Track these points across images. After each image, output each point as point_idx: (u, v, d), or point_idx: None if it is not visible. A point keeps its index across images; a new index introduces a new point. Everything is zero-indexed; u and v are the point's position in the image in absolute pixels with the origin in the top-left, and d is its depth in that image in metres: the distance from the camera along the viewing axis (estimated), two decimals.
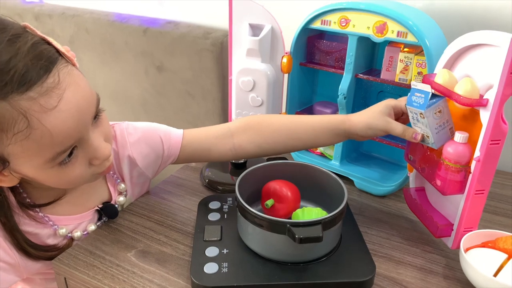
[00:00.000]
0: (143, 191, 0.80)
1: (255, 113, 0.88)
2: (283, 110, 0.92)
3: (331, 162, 0.88)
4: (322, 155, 0.92)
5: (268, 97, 0.87)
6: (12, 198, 0.62)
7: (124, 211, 0.74)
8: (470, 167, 0.58)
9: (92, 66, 1.45)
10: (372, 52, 0.85)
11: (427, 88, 0.59)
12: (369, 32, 0.74)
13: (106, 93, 1.46)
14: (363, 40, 0.77)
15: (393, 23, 0.71)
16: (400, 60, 0.76)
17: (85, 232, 0.69)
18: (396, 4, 0.77)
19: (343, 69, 0.81)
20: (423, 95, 0.59)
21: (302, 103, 0.94)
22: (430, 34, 0.71)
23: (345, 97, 0.80)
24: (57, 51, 0.53)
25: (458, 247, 0.59)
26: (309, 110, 0.94)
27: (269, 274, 0.58)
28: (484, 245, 0.59)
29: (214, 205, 0.72)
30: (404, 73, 0.76)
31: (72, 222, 0.67)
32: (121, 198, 0.73)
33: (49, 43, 0.53)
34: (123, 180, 0.74)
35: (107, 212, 0.70)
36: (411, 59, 0.74)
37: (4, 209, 0.61)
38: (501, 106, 0.54)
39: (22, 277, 0.65)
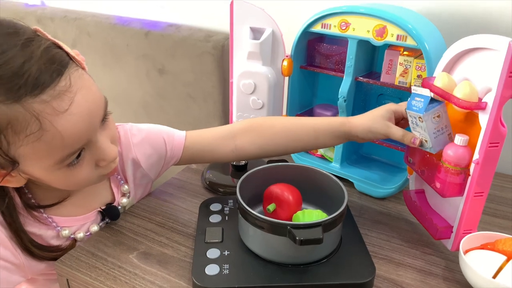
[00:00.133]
0: (145, 192, 0.81)
1: (256, 116, 0.89)
2: (284, 112, 0.92)
3: (332, 164, 0.89)
4: (322, 157, 0.92)
5: (268, 100, 0.87)
6: (17, 199, 0.63)
7: (126, 213, 0.75)
8: (469, 169, 0.59)
9: (94, 69, 1.45)
10: (372, 55, 0.85)
11: (427, 92, 0.59)
12: (369, 36, 0.75)
13: (107, 96, 1.45)
14: (363, 44, 0.78)
15: (393, 26, 0.72)
16: (399, 63, 0.76)
17: (88, 233, 0.69)
18: (395, 8, 0.78)
19: (343, 72, 0.81)
20: (422, 99, 0.60)
21: (303, 105, 0.94)
22: (430, 37, 0.71)
23: (345, 100, 0.81)
24: (68, 55, 0.54)
25: (458, 249, 0.59)
26: (309, 113, 0.94)
27: (270, 275, 0.58)
28: (483, 247, 0.59)
29: (215, 207, 0.72)
30: (403, 76, 0.77)
31: (75, 223, 0.68)
32: (124, 200, 0.74)
33: (59, 47, 0.54)
34: (126, 182, 0.74)
35: (109, 213, 0.71)
36: (410, 62, 0.75)
37: (10, 209, 0.61)
38: (500, 109, 0.54)
39: (26, 277, 0.65)
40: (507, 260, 0.55)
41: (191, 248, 0.67)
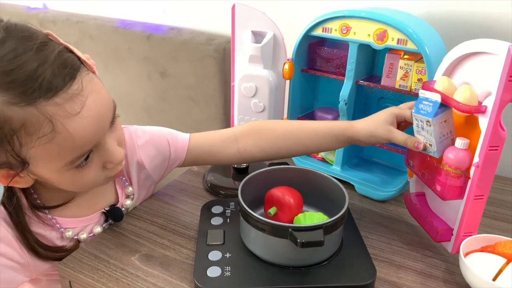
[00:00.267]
0: (148, 194, 0.81)
1: (257, 119, 0.89)
2: (285, 115, 0.93)
3: (332, 167, 0.89)
4: (323, 160, 0.92)
5: (270, 103, 0.87)
6: (23, 200, 0.63)
7: (128, 215, 0.75)
8: (469, 172, 0.59)
9: (96, 72, 1.46)
10: (372, 59, 0.86)
11: (437, 97, 0.59)
12: (370, 40, 0.75)
13: None
14: (364, 47, 0.78)
15: (393, 30, 0.72)
16: (400, 67, 0.77)
17: (91, 234, 0.70)
18: (396, 12, 0.78)
19: (344, 75, 0.82)
20: (431, 104, 0.60)
21: (304, 108, 0.95)
22: (430, 41, 0.72)
23: (346, 103, 0.81)
24: (79, 59, 0.55)
25: (458, 251, 0.60)
26: (310, 116, 0.95)
27: (272, 278, 0.59)
28: (483, 249, 0.60)
29: (217, 209, 0.72)
30: (404, 80, 0.77)
31: (79, 224, 0.68)
32: (128, 202, 0.74)
33: (71, 51, 0.55)
34: (131, 184, 0.75)
35: (113, 215, 0.71)
36: (411, 66, 0.75)
37: (17, 210, 0.62)
38: (499, 113, 0.55)
39: (31, 277, 0.66)
40: (507, 263, 0.56)
41: (192, 250, 0.67)
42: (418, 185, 0.73)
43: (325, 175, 0.69)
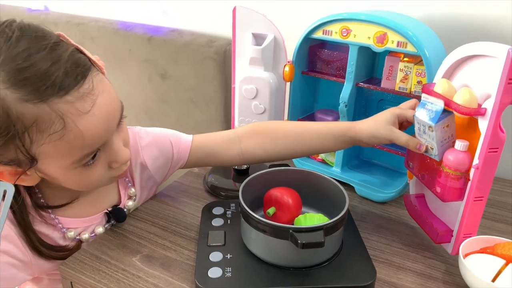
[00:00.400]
0: (150, 195, 0.82)
1: (257, 120, 0.90)
2: (285, 117, 0.93)
3: (332, 169, 0.90)
4: (323, 161, 0.93)
5: (270, 105, 0.88)
6: (27, 198, 0.64)
7: (129, 216, 0.75)
8: (469, 174, 0.59)
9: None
10: (372, 61, 0.86)
11: (440, 102, 0.59)
12: (370, 42, 0.76)
13: None
14: (364, 50, 0.79)
15: (393, 33, 0.73)
16: (400, 69, 0.77)
17: (93, 234, 0.70)
18: (396, 15, 0.79)
19: (344, 77, 0.82)
20: (434, 109, 0.59)
21: (304, 110, 0.95)
22: (429, 44, 0.72)
23: (346, 105, 0.82)
24: (89, 59, 0.56)
25: (458, 253, 0.60)
26: (310, 118, 0.95)
27: (272, 278, 0.59)
28: (482, 251, 0.60)
29: (218, 210, 0.73)
30: (404, 82, 0.78)
31: (81, 225, 0.69)
32: (130, 203, 0.75)
33: (82, 52, 0.56)
34: (133, 185, 0.75)
35: (116, 216, 0.72)
36: (410, 68, 0.76)
37: (21, 208, 0.63)
38: (499, 115, 0.55)
39: (33, 275, 0.66)
40: (506, 264, 0.56)
41: (193, 251, 0.67)
42: (418, 186, 0.74)
43: (326, 176, 0.69)
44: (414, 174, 0.71)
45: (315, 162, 0.94)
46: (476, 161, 0.58)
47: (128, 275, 0.62)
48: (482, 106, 0.57)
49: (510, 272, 0.55)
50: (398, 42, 0.73)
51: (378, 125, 0.68)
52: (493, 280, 0.55)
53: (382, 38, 0.74)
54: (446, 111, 0.60)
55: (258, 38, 0.86)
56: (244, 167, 0.88)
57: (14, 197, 0.61)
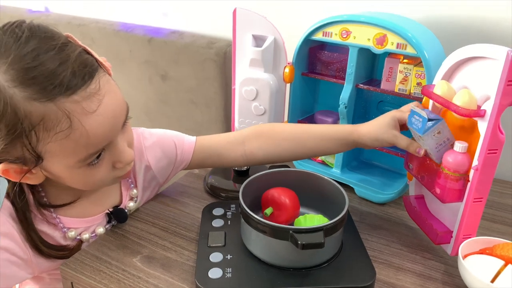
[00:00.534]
0: (151, 195, 0.82)
1: (257, 122, 0.90)
2: (285, 119, 0.93)
3: (332, 170, 0.90)
4: (323, 163, 0.93)
5: (270, 106, 0.88)
6: (30, 197, 0.64)
7: (129, 217, 0.75)
8: (468, 175, 0.59)
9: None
10: (372, 63, 0.87)
11: (424, 113, 0.60)
12: (370, 44, 0.76)
13: None
14: (364, 51, 0.79)
15: (393, 35, 0.73)
16: (399, 71, 0.77)
17: (94, 234, 0.70)
18: (395, 16, 0.79)
19: (344, 79, 0.83)
20: (420, 119, 0.60)
21: (304, 112, 0.95)
22: (429, 46, 0.72)
23: (346, 107, 0.82)
24: (97, 60, 0.57)
25: (457, 253, 0.60)
26: (310, 119, 0.95)
27: (272, 279, 0.59)
28: (482, 252, 0.60)
29: (218, 211, 0.73)
30: (403, 84, 0.78)
31: (82, 225, 0.69)
32: (131, 204, 0.75)
33: (89, 53, 0.57)
34: (136, 186, 0.76)
35: (117, 216, 0.72)
36: (410, 70, 0.76)
37: (23, 207, 0.63)
38: (498, 117, 0.55)
39: (33, 274, 0.66)
40: (505, 265, 0.56)
41: (194, 252, 0.67)
42: (417, 188, 0.74)
43: (325, 177, 0.70)
44: (413, 176, 0.71)
45: (315, 163, 0.94)
46: (475, 162, 0.58)
47: (129, 276, 0.62)
48: (482, 108, 0.57)
49: (509, 273, 0.55)
50: (397, 43, 0.73)
51: (381, 128, 0.69)
52: (492, 281, 0.55)
53: (381, 40, 0.75)
54: (435, 119, 0.60)
55: (258, 40, 0.87)
56: (244, 168, 0.88)
57: (18, 196, 0.62)
